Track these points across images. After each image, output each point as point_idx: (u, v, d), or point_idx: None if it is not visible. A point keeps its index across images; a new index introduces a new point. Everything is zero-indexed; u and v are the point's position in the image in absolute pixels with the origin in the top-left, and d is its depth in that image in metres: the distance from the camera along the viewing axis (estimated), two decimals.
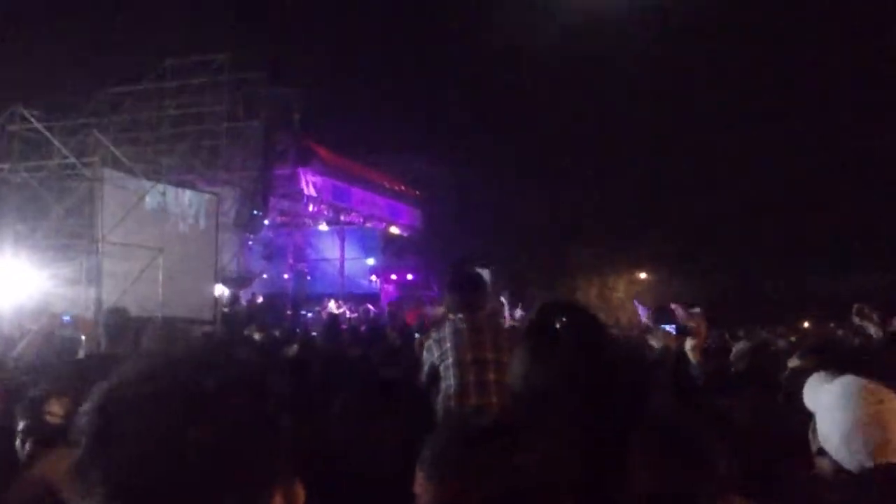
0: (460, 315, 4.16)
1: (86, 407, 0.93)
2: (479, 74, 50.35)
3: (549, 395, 1.72)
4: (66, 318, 5.29)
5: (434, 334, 4.22)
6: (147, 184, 16.64)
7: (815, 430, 1.97)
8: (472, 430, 1.46)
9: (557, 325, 1.84)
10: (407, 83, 54.29)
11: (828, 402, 1.87)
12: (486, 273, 35.95)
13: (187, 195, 18.34)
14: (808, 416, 2.01)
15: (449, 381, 3.94)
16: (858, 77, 48.21)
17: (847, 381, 1.86)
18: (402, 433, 2.21)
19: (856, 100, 47.63)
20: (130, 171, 16.91)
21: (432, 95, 52.82)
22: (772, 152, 47.48)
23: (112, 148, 16.96)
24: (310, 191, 25.07)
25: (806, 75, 48.17)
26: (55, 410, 2.47)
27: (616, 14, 36.47)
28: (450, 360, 3.98)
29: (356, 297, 27.61)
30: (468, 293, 4.28)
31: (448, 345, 4.03)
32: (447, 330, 4.13)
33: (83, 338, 5.27)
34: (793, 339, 8.45)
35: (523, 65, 50.34)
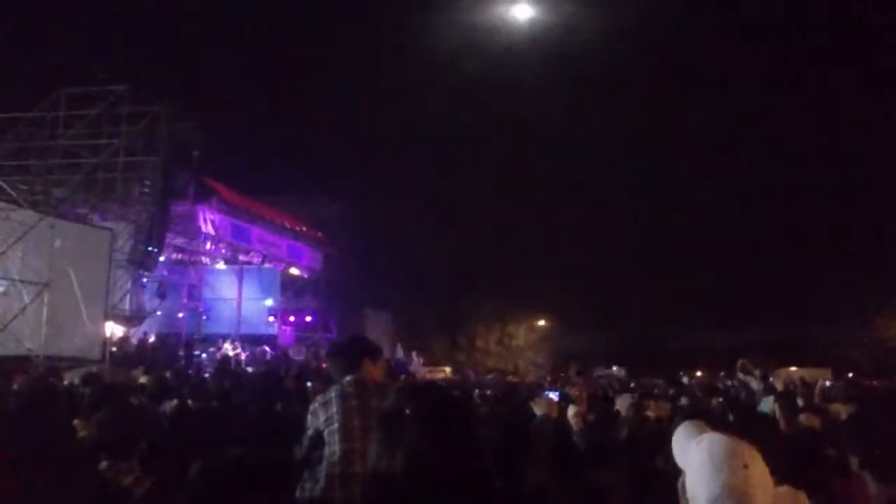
0: (348, 378, 4.03)
1: None
2: (384, 121, 50.84)
3: (395, 484, 1.69)
4: None
5: (320, 398, 4.05)
6: (34, 216, 15.95)
7: (683, 487, 1.95)
8: None
9: (407, 412, 1.81)
10: (312, 125, 54.28)
11: (696, 462, 1.87)
12: (385, 317, 35.60)
13: (78, 229, 17.67)
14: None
15: (334, 448, 3.79)
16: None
17: (714, 441, 1.89)
18: None
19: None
20: (15, 202, 16.20)
21: (337, 138, 52.90)
22: (663, 208, 49.62)
23: None
24: (208, 228, 24.53)
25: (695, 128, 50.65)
26: None
27: (530, 45, 37.14)
28: (335, 426, 3.85)
29: (253, 339, 27.01)
30: (349, 358, 4.16)
31: (334, 409, 3.89)
32: (333, 393, 3.97)
33: None
34: (671, 391, 8.82)
35: (428, 110, 51.09)
